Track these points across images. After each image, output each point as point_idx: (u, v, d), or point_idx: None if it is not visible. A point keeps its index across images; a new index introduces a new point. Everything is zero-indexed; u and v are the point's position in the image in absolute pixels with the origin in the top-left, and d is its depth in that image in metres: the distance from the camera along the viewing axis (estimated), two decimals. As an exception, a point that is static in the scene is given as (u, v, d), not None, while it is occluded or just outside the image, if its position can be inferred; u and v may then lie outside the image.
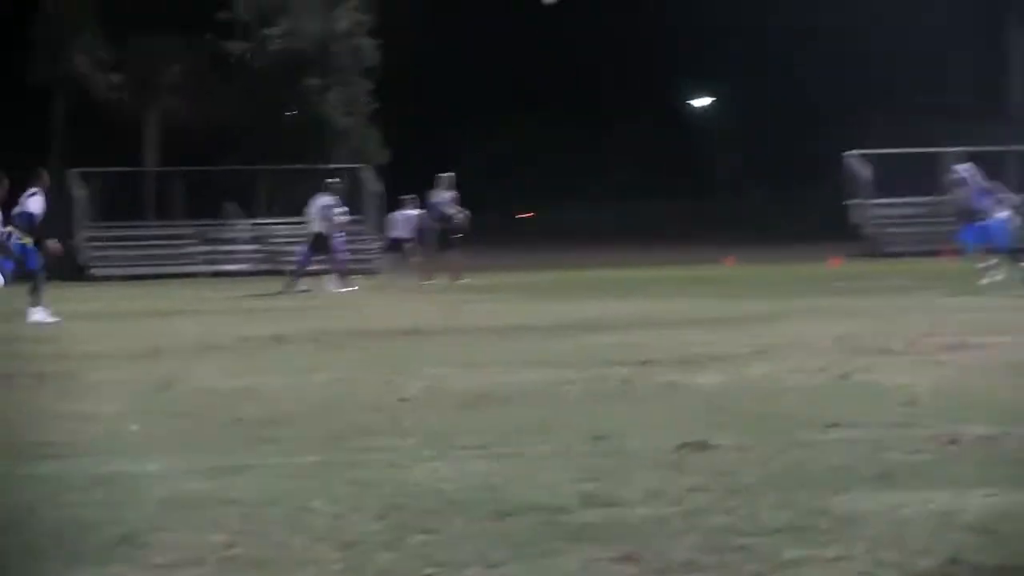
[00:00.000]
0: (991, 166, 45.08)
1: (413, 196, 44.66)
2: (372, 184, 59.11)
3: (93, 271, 55.81)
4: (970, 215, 32.21)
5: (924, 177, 55.94)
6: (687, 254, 53.35)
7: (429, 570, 6.90)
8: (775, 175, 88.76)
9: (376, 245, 51.80)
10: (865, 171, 59.11)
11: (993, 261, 32.16)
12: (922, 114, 66.59)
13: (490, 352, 19.54)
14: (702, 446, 10.20)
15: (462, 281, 40.75)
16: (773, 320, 23.29)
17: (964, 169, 34.46)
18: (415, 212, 43.98)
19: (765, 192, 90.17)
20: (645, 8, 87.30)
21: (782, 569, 6.68)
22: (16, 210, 26.04)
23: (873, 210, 59.67)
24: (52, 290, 29.31)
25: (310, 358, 18.80)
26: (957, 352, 16.86)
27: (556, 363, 17.14)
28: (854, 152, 60.27)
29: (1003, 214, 31.95)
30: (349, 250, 43.39)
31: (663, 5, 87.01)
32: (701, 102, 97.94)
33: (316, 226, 39.69)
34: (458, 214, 42.75)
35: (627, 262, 50.16)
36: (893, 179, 57.15)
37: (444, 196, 43.87)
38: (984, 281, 30.67)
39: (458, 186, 43.86)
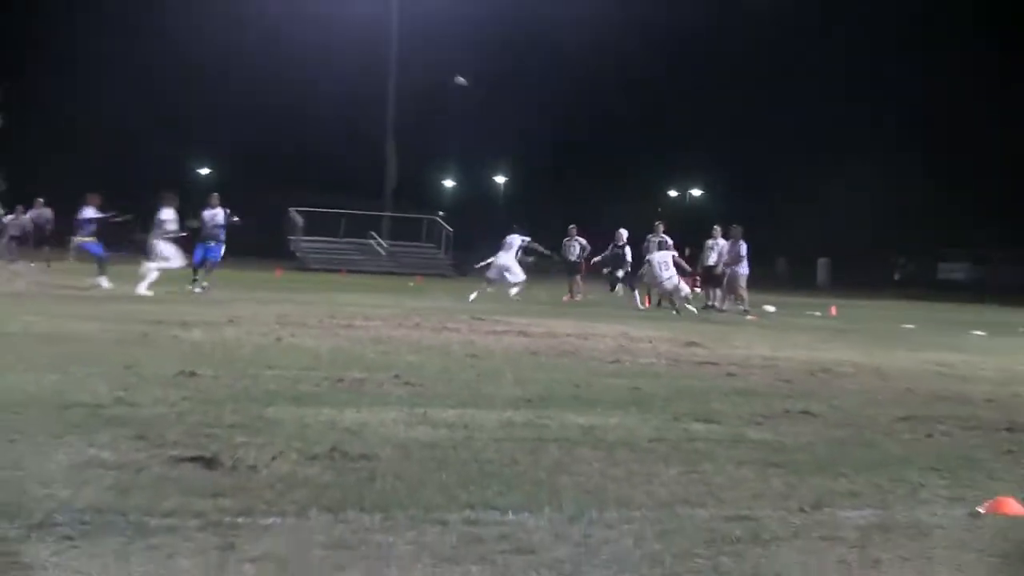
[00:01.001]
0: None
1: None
2: None
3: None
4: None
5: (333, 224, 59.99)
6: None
7: (14, 436, 7.29)
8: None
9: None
10: (299, 219, 61.90)
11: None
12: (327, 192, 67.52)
13: (67, 309, 19.88)
14: (191, 374, 10.81)
15: None
16: (240, 302, 24.11)
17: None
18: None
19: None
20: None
21: (234, 447, 7.23)
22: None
23: (302, 244, 61.91)
24: None
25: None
26: (346, 330, 18.06)
27: (104, 319, 17.70)
28: (293, 208, 62.78)
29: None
30: None
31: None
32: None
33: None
34: None
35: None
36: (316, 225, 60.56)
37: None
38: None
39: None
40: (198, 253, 28.86)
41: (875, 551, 5.49)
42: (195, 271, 28.80)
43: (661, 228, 32.82)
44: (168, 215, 26.90)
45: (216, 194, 30.58)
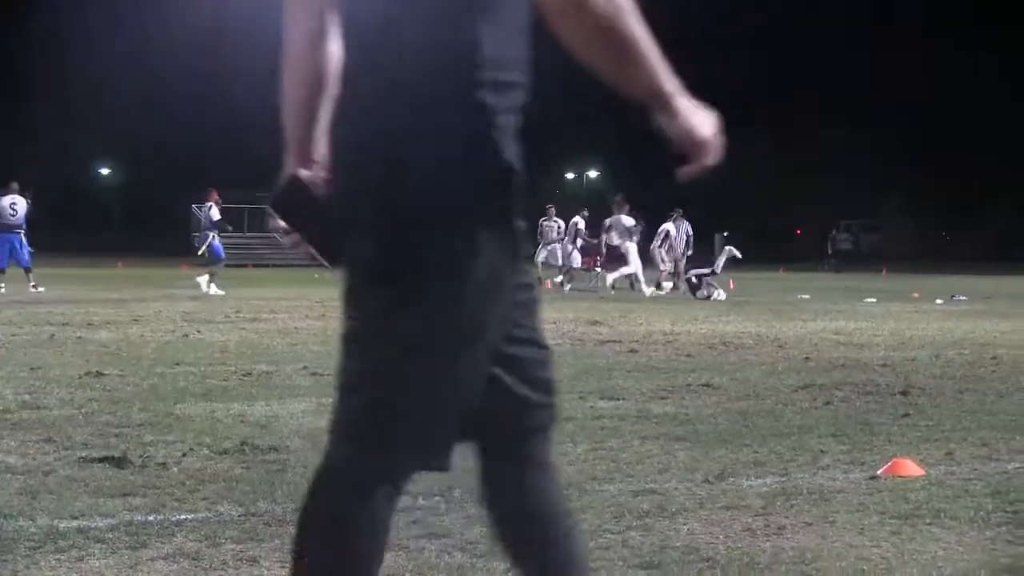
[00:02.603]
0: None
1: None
2: None
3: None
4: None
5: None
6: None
7: None
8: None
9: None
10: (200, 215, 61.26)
11: None
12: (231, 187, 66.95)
13: None
14: (98, 374, 10.68)
15: None
16: (146, 301, 23.96)
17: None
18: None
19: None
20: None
21: (143, 446, 7.14)
22: None
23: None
24: None
25: None
26: (253, 323, 17.96)
27: (9, 322, 17.47)
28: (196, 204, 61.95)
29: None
30: None
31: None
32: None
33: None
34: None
35: None
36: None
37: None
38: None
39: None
40: (3, 252, 26.65)
41: (779, 518, 5.53)
42: (27, 272, 27.04)
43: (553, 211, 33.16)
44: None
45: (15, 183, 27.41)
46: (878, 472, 6.61)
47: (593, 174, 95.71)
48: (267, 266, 53.68)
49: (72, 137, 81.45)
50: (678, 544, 5.04)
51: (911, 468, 6.61)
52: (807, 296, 28.28)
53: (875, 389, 10.32)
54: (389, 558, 4.76)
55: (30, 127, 77.26)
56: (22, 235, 26.78)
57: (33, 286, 25.99)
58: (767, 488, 6.20)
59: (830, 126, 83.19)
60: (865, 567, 4.78)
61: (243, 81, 75.34)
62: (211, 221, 27.93)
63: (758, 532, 5.28)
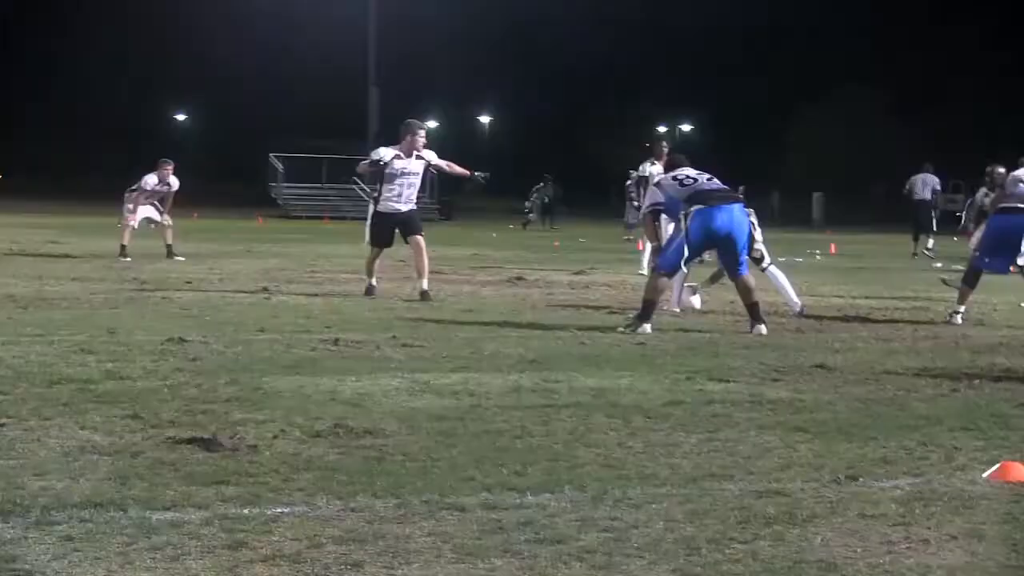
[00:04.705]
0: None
1: None
2: None
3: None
4: None
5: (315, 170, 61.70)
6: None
7: (3, 419, 7.10)
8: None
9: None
10: (280, 165, 61.64)
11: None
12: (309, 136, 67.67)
13: (39, 270, 19.74)
14: (180, 340, 10.66)
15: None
16: (225, 256, 24.02)
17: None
18: None
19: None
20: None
21: (233, 426, 7.09)
22: None
23: (283, 190, 61.83)
24: None
25: None
26: (335, 284, 17.99)
27: (93, 279, 17.59)
28: (273, 154, 62.55)
29: None
30: None
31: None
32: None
33: None
34: None
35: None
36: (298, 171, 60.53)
37: None
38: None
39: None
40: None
41: (920, 529, 5.31)
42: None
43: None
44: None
45: None
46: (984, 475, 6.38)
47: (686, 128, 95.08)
48: (344, 219, 53.85)
49: (147, 82, 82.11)
50: (813, 559, 4.84)
51: (1021, 471, 6.31)
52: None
53: (1005, 374, 10.05)
54: (498, 566, 4.64)
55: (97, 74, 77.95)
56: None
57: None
58: (901, 492, 5.98)
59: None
60: (1020, 590, 4.58)
61: (319, 33, 75.74)
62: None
63: (899, 545, 5.07)
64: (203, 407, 7.71)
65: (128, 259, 22.05)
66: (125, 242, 23.20)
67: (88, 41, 78.65)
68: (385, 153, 15.60)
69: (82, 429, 6.95)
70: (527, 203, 52.84)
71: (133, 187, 24.35)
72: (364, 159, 16.54)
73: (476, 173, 16.39)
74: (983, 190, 19.11)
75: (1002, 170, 18.04)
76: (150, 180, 24.09)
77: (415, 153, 15.55)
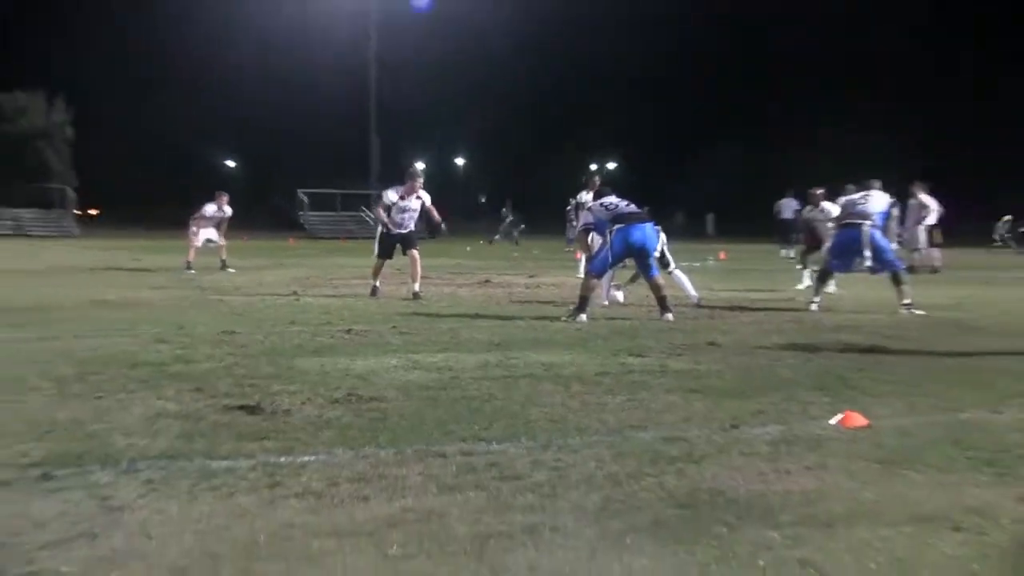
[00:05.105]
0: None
1: None
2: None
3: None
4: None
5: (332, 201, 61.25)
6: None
7: (99, 393, 7.09)
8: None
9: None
10: (306, 198, 61.50)
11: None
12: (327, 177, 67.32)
13: (125, 281, 19.62)
14: (232, 332, 10.67)
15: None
16: (265, 269, 23.89)
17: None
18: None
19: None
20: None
21: (272, 396, 7.01)
22: None
23: (309, 217, 61.63)
24: None
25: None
26: (349, 288, 17.91)
27: (164, 287, 17.48)
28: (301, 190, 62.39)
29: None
30: None
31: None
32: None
33: None
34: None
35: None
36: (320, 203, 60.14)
37: None
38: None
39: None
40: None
41: (784, 463, 5.37)
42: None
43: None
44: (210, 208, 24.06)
45: None
46: (831, 421, 6.42)
47: (611, 166, 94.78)
48: (356, 238, 53.68)
49: (203, 135, 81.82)
50: (705, 487, 4.89)
51: (858, 419, 6.37)
52: (791, 260, 27.78)
53: (847, 347, 10.10)
54: (471, 497, 4.67)
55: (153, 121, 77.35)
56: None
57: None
58: (770, 436, 6.01)
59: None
60: (860, 508, 4.62)
61: (331, 96, 75.39)
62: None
63: (769, 476, 5.12)
64: (249, 382, 7.68)
65: (192, 272, 21.91)
66: (190, 258, 23.02)
67: (162, 106, 78.31)
68: (392, 196, 15.82)
69: (158, 400, 6.94)
70: (497, 235, 52.38)
71: (196, 214, 24.12)
72: (368, 192, 16.89)
73: (442, 225, 16.52)
74: (808, 206, 19.27)
75: (820, 191, 18.49)
76: (209, 208, 23.94)
77: (415, 194, 15.84)
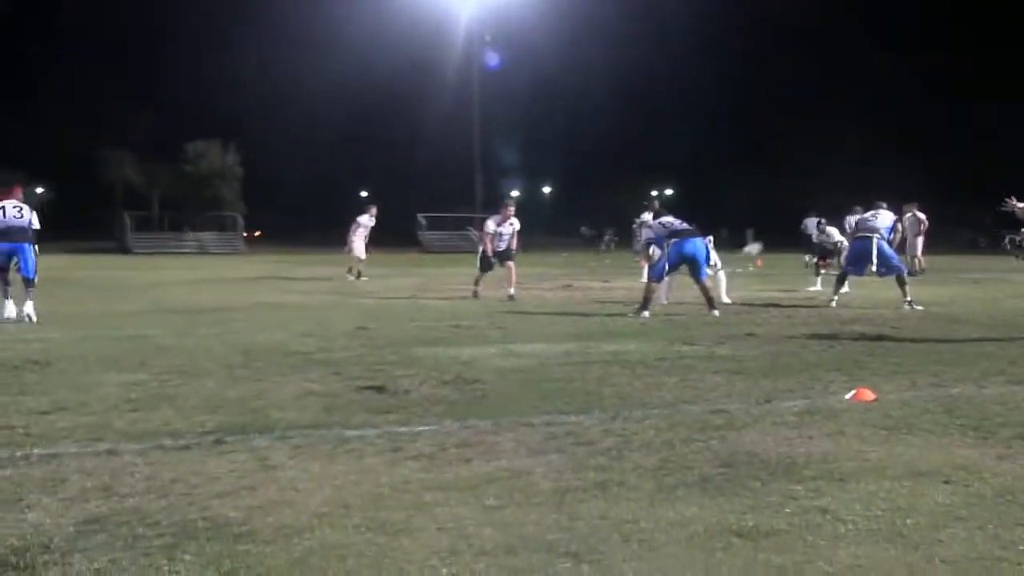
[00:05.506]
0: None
1: None
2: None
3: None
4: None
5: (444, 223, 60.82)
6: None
7: (259, 376, 7.12)
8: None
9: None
10: (424, 220, 61.74)
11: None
12: (441, 202, 67.21)
13: (278, 288, 19.96)
14: (364, 328, 10.71)
15: None
16: (391, 277, 24.12)
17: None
18: None
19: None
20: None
21: (395, 378, 6.99)
22: None
23: (426, 235, 62.15)
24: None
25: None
26: (456, 291, 18.00)
27: (311, 292, 17.74)
28: (420, 214, 62.42)
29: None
30: None
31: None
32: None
33: None
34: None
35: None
36: (434, 223, 60.51)
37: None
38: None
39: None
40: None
41: (808, 430, 5.28)
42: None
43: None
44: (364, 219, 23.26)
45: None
46: (846, 397, 6.26)
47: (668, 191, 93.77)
48: (462, 252, 53.90)
49: (339, 173, 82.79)
50: (743, 450, 4.82)
51: (868, 394, 6.22)
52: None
53: (861, 336, 9.90)
54: (553, 459, 4.65)
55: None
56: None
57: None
58: (797, 408, 5.91)
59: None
60: (868, 465, 4.52)
61: (444, 140, 75.73)
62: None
63: (795, 441, 5.03)
64: (377, 367, 7.72)
65: (352, 278, 21.95)
66: (357, 266, 22.52)
67: (310, 146, 79.40)
68: (492, 226, 16.19)
69: (305, 381, 6.99)
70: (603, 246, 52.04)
71: (353, 225, 23.14)
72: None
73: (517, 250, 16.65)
74: (819, 232, 19.12)
75: (824, 220, 18.55)
76: (363, 218, 23.24)
77: (508, 220, 16.15)
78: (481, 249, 16.53)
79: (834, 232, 18.10)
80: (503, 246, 16.20)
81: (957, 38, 75.02)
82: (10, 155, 61.13)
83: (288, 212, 78.20)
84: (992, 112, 67.89)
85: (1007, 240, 33.37)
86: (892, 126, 72.91)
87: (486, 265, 16.34)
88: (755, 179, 76.42)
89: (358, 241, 23.08)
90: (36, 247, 11.95)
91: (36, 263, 11.85)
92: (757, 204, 72.27)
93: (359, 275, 22.26)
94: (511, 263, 16.13)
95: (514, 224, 16.25)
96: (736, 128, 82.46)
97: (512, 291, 15.83)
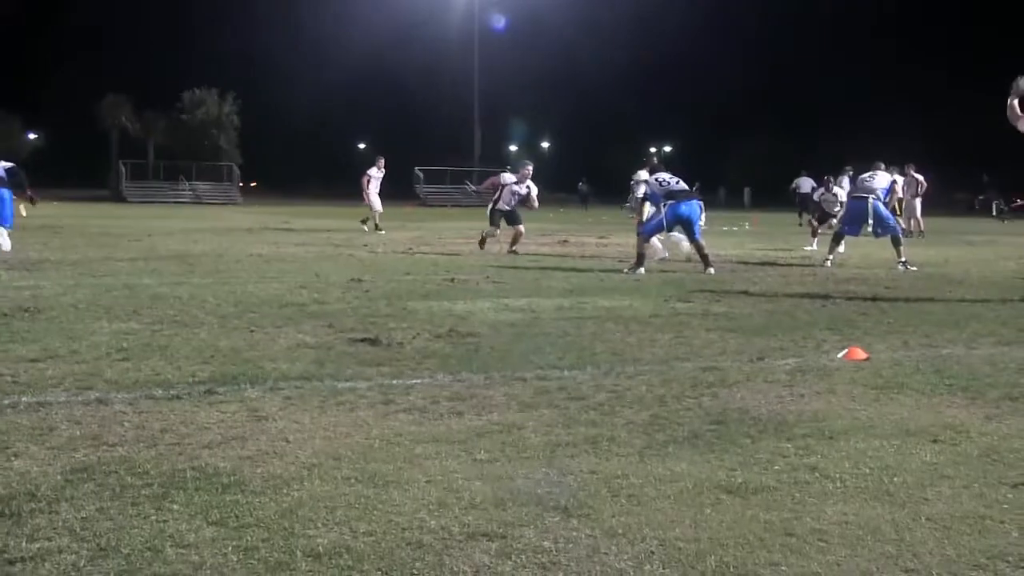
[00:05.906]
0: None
1: None
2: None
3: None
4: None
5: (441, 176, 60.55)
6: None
7: (253, 328, 7.10)
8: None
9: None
10: (421, 174, 61.05)
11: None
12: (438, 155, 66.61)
13: (275, 239, 19.90)
14: (358, 280, 10.68)
15: None
16: (388, 231, 23.99)
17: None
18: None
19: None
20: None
21: (389, 331, 7.02)
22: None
23: (423, 189, 61.72)
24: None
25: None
26: (451, 245, 17.95)
27: (306, 243, 17.68)
28: (418, 167, 62.08)
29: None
30: None
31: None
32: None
33: None
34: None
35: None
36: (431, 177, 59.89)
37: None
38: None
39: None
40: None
41: (799, 389, 5.27)
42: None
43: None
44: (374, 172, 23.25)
45: None
46: (838, 355, 6.26)
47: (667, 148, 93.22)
48: (460, 207, 53.73)
49: (343, 123, 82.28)
50: (734, 407, 4.82)
51: (860, 353, 6.22)
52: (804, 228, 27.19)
53: (854, 295, 9.89)
54: (545, 413, 4.65)
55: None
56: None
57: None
58: (789, 366, 5.91)
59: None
60: (858, 424, 4.52)
61: (443, 92, 75.11)
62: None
63: (787, 399, 5.03)
64: (371, 319, 7.69)
65: (366, 229, 21.88)
66: (377, 220, 22.37)
67: (308, 99, 78.84)
68: (509, 178, 16.49)
69: (298, 333, 6.97)
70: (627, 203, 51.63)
71: (364, 176, 23.06)
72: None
73: (535, 205, 16.77)
74: (822, 190, 19.05)
75: (829, 178, 18.44)
76: (372, 171, 23.16)
77: (525, 183, 16.37)
78: (491, 205, 16.63)
79: (841, 192, 18.01)
80: (513, 203, 16.37)
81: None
82: (3, 101, 60.56)
83: (285, 164, 77.82)
84: (993, 72, 67.65)
85: (993, 205, 33.65)
86: (892, 92, 72.52)
87: (494, 220, 16.53)
88: (757, 139, 75.97)
89: (373, 194, 23.01)
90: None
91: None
92: (756, 163, 71.90)
93: (376, 227, 22.21)
94: (520, 227, 16.33)
95: (531, 188, 16.48)
96: (739, 86, 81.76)
97: (512, 247, 15.94)
